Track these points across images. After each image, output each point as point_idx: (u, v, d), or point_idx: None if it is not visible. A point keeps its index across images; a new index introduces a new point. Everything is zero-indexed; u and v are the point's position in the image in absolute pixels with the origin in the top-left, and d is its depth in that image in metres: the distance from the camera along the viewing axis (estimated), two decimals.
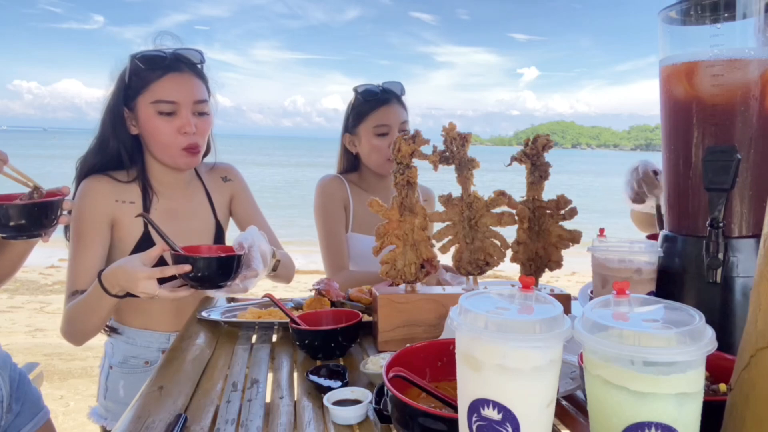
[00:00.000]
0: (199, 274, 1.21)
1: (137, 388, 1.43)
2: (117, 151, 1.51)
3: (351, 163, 2.02)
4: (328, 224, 1.91)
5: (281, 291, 6.14)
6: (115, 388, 1.56)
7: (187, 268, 1.19)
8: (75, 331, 1.39)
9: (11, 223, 1.12)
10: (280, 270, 1.57)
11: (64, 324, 1.39)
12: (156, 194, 1.55)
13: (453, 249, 1.24)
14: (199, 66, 1.54)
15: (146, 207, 1.50)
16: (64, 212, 1.22)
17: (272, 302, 1.30)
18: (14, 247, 1.31)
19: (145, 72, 1.46)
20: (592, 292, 1.25)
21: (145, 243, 1.48)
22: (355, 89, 1.95)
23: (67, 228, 1.50)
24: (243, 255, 1.27)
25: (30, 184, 1.19)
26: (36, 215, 1.14)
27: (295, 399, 1.00)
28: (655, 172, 1.44)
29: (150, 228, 1.48)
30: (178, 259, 1.21)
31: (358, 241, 1.90)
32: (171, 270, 1.19)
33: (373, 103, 1.89)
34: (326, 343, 1.16)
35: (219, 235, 1.66)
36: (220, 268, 1.23)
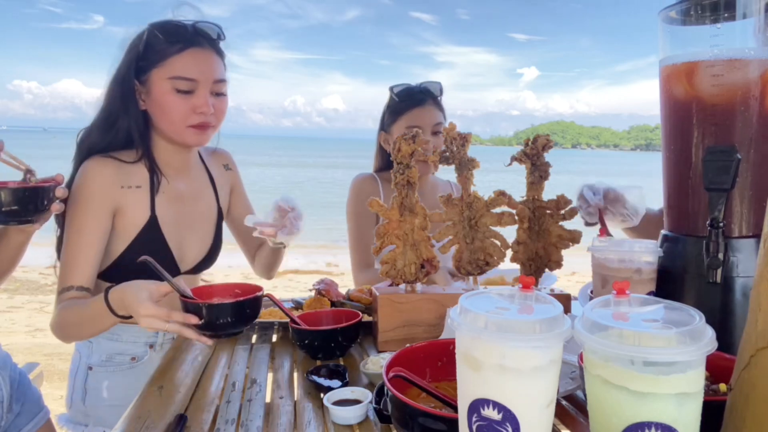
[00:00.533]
0: (209, 322, 1.08)
1: (123, 387, 1.39)
2: (127, 129, 1.39)
3: (386, 162, 2.00)
4: (357, 223, 1.94)
5: (281, 291, 6.14)
6: (97, 389, 1.44)
7: (194, 320, 1.08)
8: (67, 334, 1.32)
9: (2, 208, 1.10)
10: (280, 254, 1.58)
11: (57, 325, 1.30)
12: (163, 176, 1.46)
13: (453, 249, 1.24)
14: (218, 42, 1.43)
15: (153, 190, 1.42)
16: (57, 200, 1.17)
17: (272, 302, 1.30)
18: (9, 240, 1.26)
19: (164, 44, 1.35)
20: (592, 292, 1.25)
21: (151, 228, 1.40)
22: (391, 89, 1.95)
23: (57, 219, 1.39)
24: (261, 296, 1.17)
25: (22, 168, 1.16)
26: (27, 200, 1.12)
27: (295, 399, 1.00)
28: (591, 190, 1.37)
29: (157, 213, 1.41)
30: (187, 306, 1.10)
31: None
32: (177, 317, 1.08)
33: (407, 103, 1.89)
34: (326, 343, 1.16)
35: (219, 221, 1.61)
36: (235, 314, 1.10)
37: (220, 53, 1.43)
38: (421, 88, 1.91)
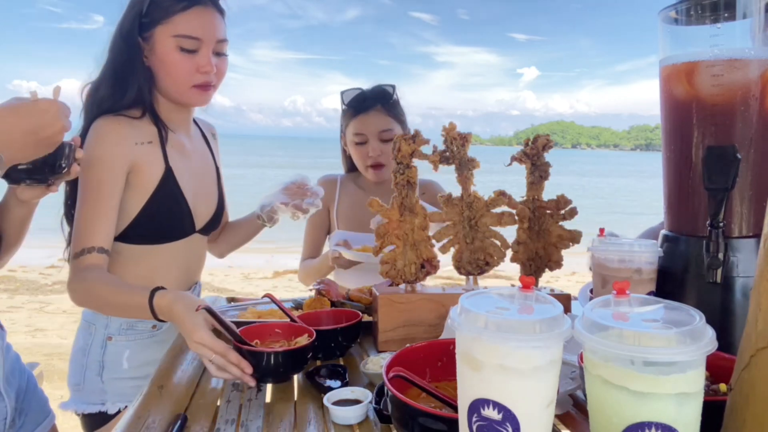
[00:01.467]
0: (264, 370, 1.03)
1: (142, 358, 1.40)
2: (137, 86, 1.38)
3: (351, 163, 2.03)
4: (307, 222, 2.01)
5: (281, 291, 6.14)
6: (117, 361, 1.41)
7: (249, 369, 1.02)
8: (90, 303, 1.31)
9: (18, 165, 1.03)
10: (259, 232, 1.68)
11: (81, 292, 1.26)
12: (169, 129, 1.44)
13: (453, 249, 1.24)
14: (218, 0, 1.43)
15: (163, 143, 1.41)
16: (76, 162, 1.12)
17: (272, 302, 1.30)
18: (11, 213, 1.22)
19: (169, 1, 1.35)
20: (592, 291, 1.25)
21: (167, 181, 1.38)
22: (341, 94, 1.94)
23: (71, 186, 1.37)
24: (311, 345, 1.08)
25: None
26: (46, 156, 1.04)
27: (295, 399, 1.00)
28: None
29: (171, 165, 1.40)
30: (241, 352, 1.04)
31: (344, 237, 1.91)
32: (233, 357, 1.02)
33: (353, 110, 1.88)
34: (326, 343, 1.15)
35: (219, 180, 1.61)
36: (288, 362, 1.04)
37: (221, 11, 1.43)
38: (370, 94, 1.89)
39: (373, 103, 1.87)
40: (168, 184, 1.39)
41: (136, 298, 1.18)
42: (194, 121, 1.60)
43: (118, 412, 1.39)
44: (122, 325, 1.42)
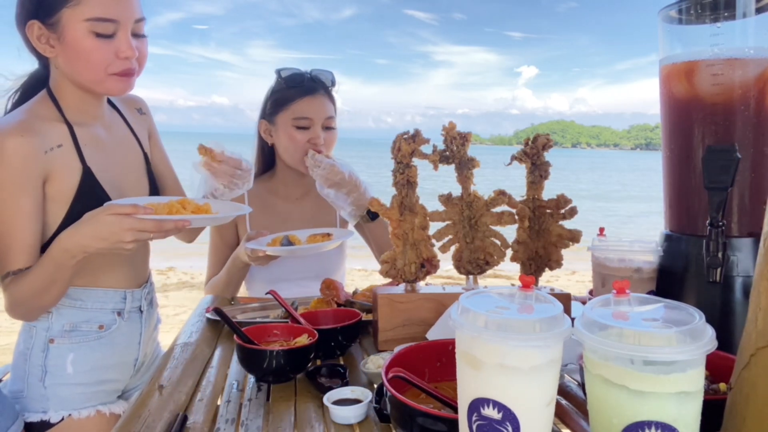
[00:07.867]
0: (267, 369, 1.04)
1: (90, 362, 1.32)
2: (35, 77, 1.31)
3: (268, 159, 1.88)
4: (213, 242, 1.85)
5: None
6: (61, 365, 1.30)
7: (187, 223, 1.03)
8: (26, 309, 1.24)
9: None
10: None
11: (13, 304, 1.22)
12: (81, 125, 1.31)
13: (453, 248, 1.24)
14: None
15: (77, 143, 1.28)
16: None
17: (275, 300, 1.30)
18: None
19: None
20: (591, 291, 1.25)
21: (88, 182, 1.27)
22: (278, 72, 1.81)
23: None
24: (314, 344, 1.08)
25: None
26: None
27: (295, 399, 1.00)
28: None
29: (89, 164, 1.28)
30: (245, 351, 1.05)
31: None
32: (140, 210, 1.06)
33: (297, 91, 1.75)
34: (326, 342, 1.15)
35: (148, 167, 1.47)
36: (291, 361, 1.04)
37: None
38: (313, 77, 1.79)
39: (317, 86, 1.77)
40: (89, 186, 1.27)
41: (45, 259, 1.16)
42: (111, 102, 1.45)
43: (62, 420, 1.28)
44: (64, 326, 1.31)
